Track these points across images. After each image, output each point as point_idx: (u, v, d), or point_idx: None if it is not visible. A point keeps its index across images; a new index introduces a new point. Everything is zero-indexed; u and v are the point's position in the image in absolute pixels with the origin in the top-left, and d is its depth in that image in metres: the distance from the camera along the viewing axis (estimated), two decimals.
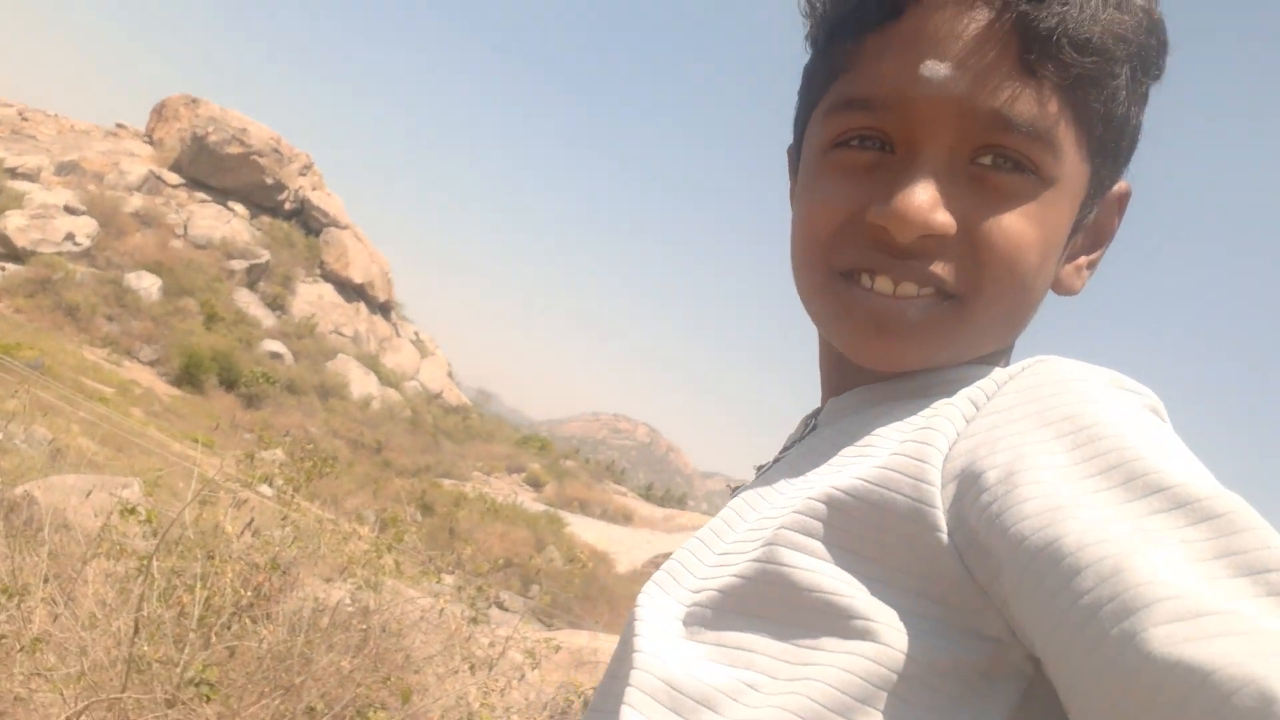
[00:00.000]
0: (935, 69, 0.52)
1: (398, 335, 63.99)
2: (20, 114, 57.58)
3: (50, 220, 45.19)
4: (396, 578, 5.06)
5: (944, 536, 0.45)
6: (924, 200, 0.52)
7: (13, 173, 49.03)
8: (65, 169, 51.75)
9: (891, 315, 0.55)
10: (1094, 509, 0.39)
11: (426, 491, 28.89)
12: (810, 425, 0.63)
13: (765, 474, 0.61)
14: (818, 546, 0.48)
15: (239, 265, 50.60)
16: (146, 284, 44.79)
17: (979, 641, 0.44)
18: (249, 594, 3.99)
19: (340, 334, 55.45)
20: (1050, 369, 0.49)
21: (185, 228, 50.96)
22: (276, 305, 51.99)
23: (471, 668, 4.80)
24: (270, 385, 40.57)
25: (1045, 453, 0.43)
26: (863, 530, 0.47)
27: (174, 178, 52.77)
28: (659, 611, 0.52)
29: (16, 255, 42.94)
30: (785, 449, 0.64)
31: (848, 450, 0.55)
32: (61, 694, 3.20)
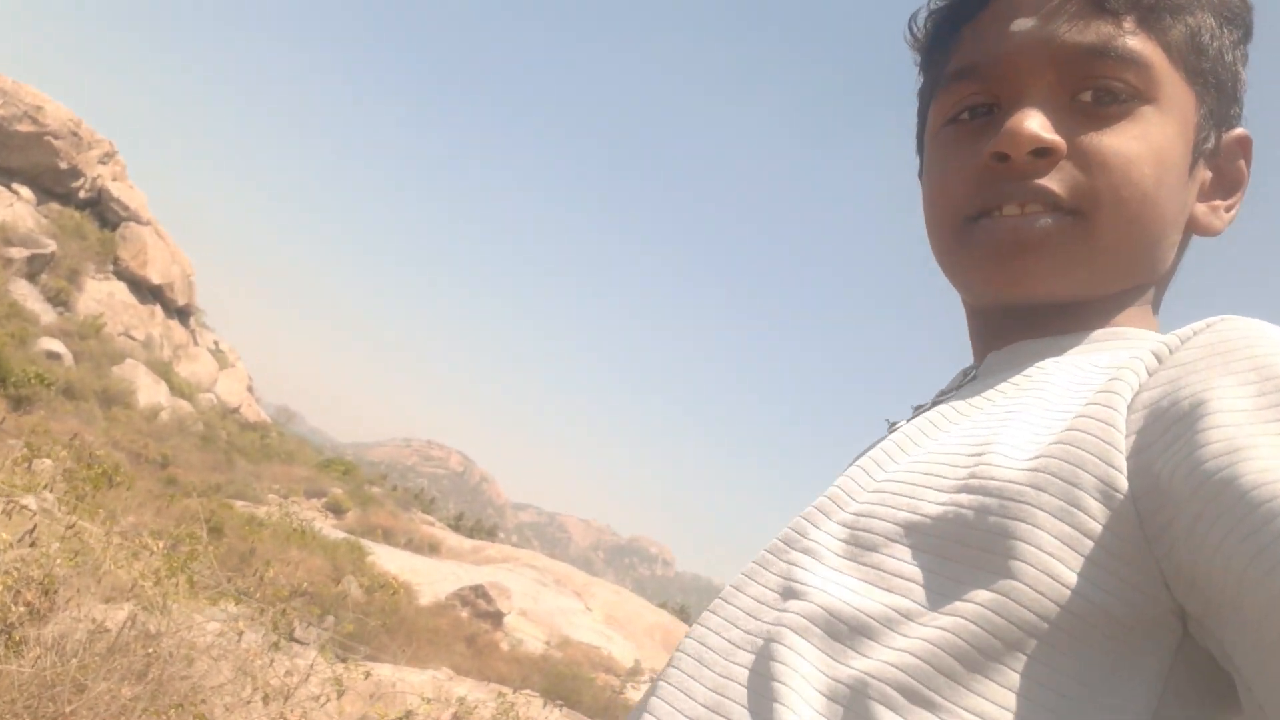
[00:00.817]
0: (1022, 24, 0.59)
1: (195, 343, 59.71)
2: None
3: None
4: (189, 598, 4.72)
5: (1125, 481, 0.46)
6: (1032, 119, 0.57)
7: None
8: None
9: (1022, 232, 0.58)
10: (1274, 450, 0.40)
11: (216, 512, 26.96)
12: (970, 375, 0.64)
13: (925, 414, 0.61)
14: (996, 486, 0.48)
15: (19, 254, 45.80)
16: None
17: (1134, 594, 0.45)
18: (20, 610, 3.61)
19: (130, 337, 51.17)
20: (1234, 325, 0.49)
21: None
22: (59, 301, 47.36)
23: (265, 698, 4.54)
24: (44, 387, 36.78)
25: (1228, 397, 0.44)
26: (1042, 481, 0.47)
27: None
28: (821, 536, 0.53)
29: None
30: (942, 393, 0.65)
31: (1017, 392, 0.56)
32: None
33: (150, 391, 47.02)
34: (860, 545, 0.51)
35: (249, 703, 4.57)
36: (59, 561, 4.13)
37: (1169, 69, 0.59)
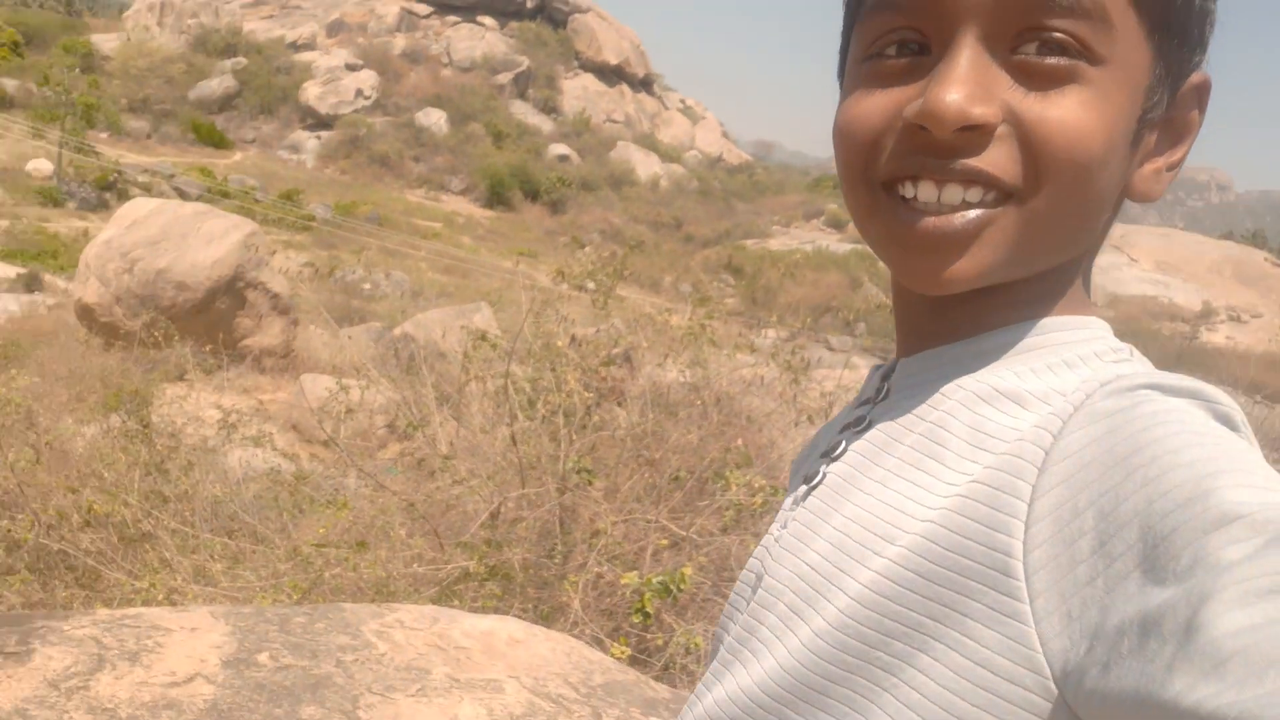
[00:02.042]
0: None
1: (665, 108, 63.84)
2: None
3: (338, 82, 49.42)
4: (722, 349, 5.37)
5: (1026, 607, 0.44)
6: (961, 90, 0.48)
7: (294, 46, 53.64)
8: (334, 29, 55.58)
9: (938, 231, 0.51)
10: (1134, 597, 0.39)
11: (732, 256, 29.65)
12: (883, 391, 0.60)
13: (840, 460, 0.58)
14: (892, 626, 0.48)
15: (504, 78, 52.50)
16: (434, 119, 48.00)
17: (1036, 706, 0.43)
18: (593, 395, 4.46)
19: (613, 121, 56.47)
20: (1119, 403, 0.46)
21: (449, 55, 53.35)
22: (549, 108, 53.70)
23: (809, 418, 5.07)
24: (567, 188, 42.77)
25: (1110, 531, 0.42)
26: (932, 608, 0.47)
27: (423, 8, 54.82)
28: (755, 646, 0.56)
29: (324, 122, 47.74)
30: (860, 406, 0.62)
31: (918, 444, 0.53)
32: (479, 495, 3.88)
33: (645, 165, 52.02)
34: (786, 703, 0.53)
35: (797, 424, 5.16)
36: (614, 344, 4.96)
37: (1129, 26, 0.49)
